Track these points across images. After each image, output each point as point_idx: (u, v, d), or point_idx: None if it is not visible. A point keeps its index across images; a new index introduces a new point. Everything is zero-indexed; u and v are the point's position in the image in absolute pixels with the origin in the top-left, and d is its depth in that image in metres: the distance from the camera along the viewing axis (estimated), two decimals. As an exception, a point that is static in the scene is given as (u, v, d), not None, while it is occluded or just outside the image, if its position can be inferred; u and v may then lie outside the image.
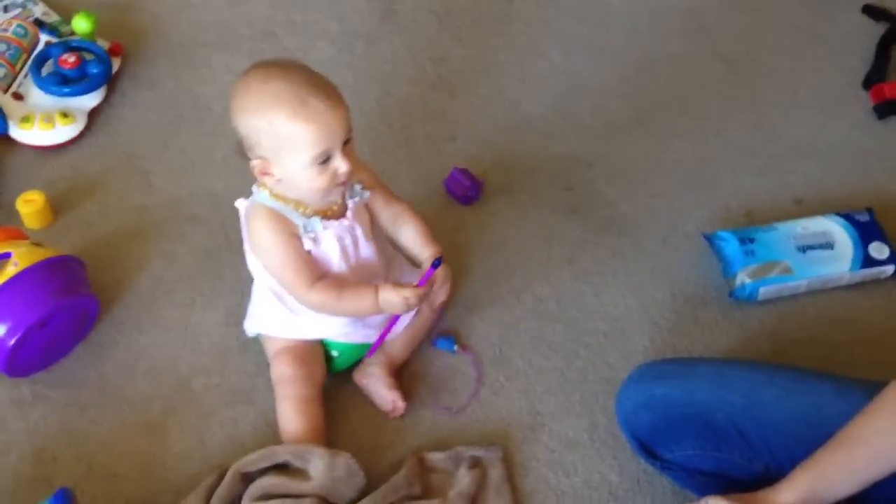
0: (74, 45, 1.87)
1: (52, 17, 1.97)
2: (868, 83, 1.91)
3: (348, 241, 1.38)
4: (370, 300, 1.34)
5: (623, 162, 1.81)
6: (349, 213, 1.38)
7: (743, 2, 2.11)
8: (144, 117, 1.86)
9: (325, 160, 1.27)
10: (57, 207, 1.69)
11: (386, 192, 1.45)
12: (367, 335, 1.45)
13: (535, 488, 1.39)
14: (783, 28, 2.05)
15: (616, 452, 1.41)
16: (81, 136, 1.80)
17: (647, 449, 1.32)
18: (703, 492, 1.34)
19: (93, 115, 1.83)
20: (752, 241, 1.59)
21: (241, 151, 1.34)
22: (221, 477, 1.34)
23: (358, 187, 1.39)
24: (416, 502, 1.35)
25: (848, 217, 1.63)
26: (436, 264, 1.35)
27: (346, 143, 1.29)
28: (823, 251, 1.59)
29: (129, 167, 1.77)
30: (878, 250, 1.59)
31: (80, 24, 1.89)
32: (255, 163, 1.31)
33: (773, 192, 1.75)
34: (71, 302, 1.45)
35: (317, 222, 1.34)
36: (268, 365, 1.46)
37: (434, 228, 1.46)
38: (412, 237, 1.43)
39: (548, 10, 2.08)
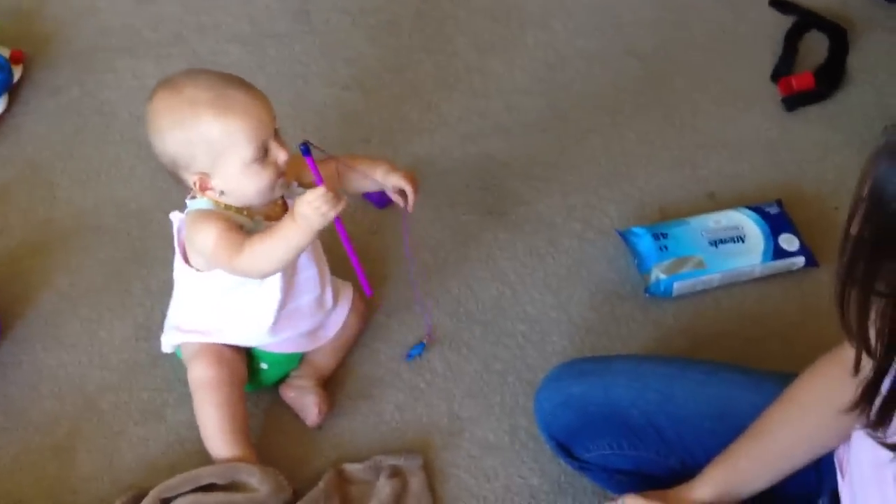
0: (-28, 53, 1.81)
1: (-51, 25, 1.90)
2: (776, 76, 1.93)
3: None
4: (290, 225, 1.21)
5: (538, 160, 1.81)
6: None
7: (654, -3, 2.13)
8: (48, 126, 1.80)
9: (264, 153, 1.23)
10: (-45, 222, 1.63)
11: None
12: (299, 343, 1.43)
13: (456, 495, 1.38)
14: (694, 23, 2.07)
15: (537, 455, 1.41)
16: (-19, 147, 1.74)
17: (565, 449, 1.32)
18: (621, 490, 1.34)
19: (-7, 124, 1.77)
20: (665, 236, 1.60)
21: (174, 174, 1.27)
22: (133, 498, 1.31)
23: (295, 184, 1.34)
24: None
25: (758, 210, 1.65)
26: (304, 150, 1.23)
27: (277, 133, 1.26)
28: (735, 244, 1.60)
29: (32, 178, 1.72)
30: (788, 242, 1.62)
31: (-22, 32, 1.83)
32: (193, 179, 1.25)
33: (685, 186, 1.77)
34: (-31, 322, 1.40)
35: (261, 223, 1.30)
36: (179, 380, 1.42)
37: (350, 232, 1.43)
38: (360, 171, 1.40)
39: (461, 9, 2.07)
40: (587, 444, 1.30)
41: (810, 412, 1.09)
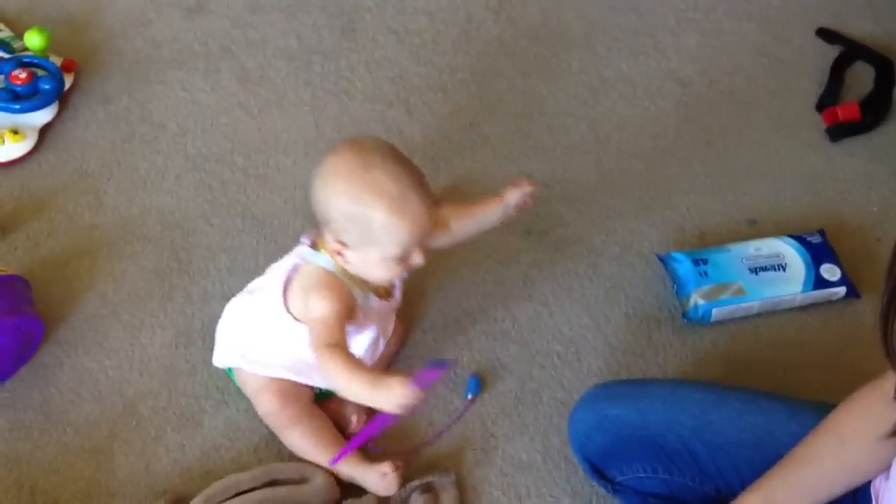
0: (26, 60, 1.84)
1: (5, 33, 1.94)
2: (821, 106, 1.92)
3: (386, 319, 1.40)
4: (367, 384, 1.20)
5: (579, 182, 1.81)
6: (397, 293, 1.39)
7: (698, 22, 2.12)
8: (96, 134, 1.84)
9: (407, 255, 1.27)
10: (4, 226, 1.66)
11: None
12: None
13: (488, 512, 1.38)
14: (738, 49, 2.07)
15: (569, 475, 1.40)
16: (31, 153, 1.77)
17: (598, 471, 1.31)
18: (653, 516, 1.34)
19: (44, 131, 1.80)
20: (705, 262, 1.60)
21: (316, 223, 1.30)
22: (169, 503, 1.32)
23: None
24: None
25: (800, 239, 1.64)
26: (442, 367, 1.26)
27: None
28: (776, 273, 1.59)
29: (79, 185, 1.75)
30: (830, 272, 1.60)
31: (33, 40, 1.86)
32: (333, 244, 1.28)
33: (726, 212, 1.76)
34: (15, 323, 1.42)
35: (372, 299, 1.33)
36: (217, 388, 1.45)
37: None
38: (477, 220, 1.45)
39: (507, 30, 2.09)
40: (621, 467, 1.29)
41: (850, 441, 1.08)
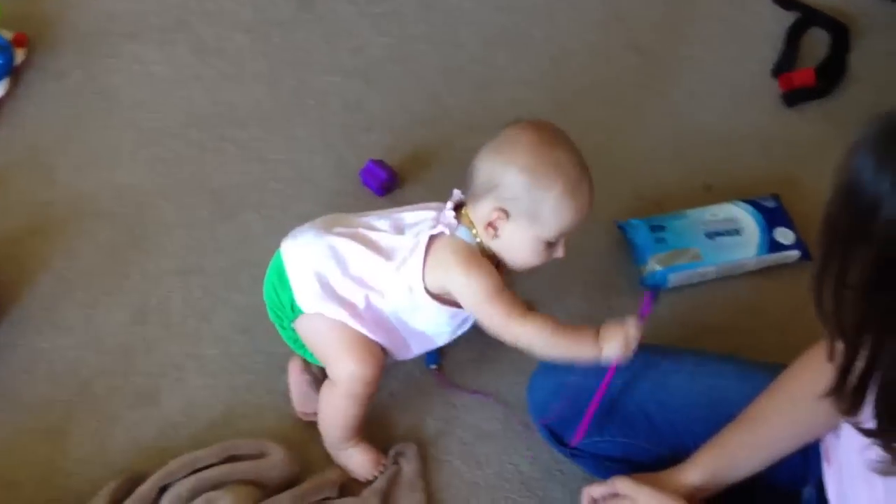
0: (-24, 35, 1.82)
1: (-47, 8, 1.91)
2: (777, 71, 1.93)
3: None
4: (590, 344, 1.24)
5: (538, 152, 1.81)
6: None
7: (658, -9, 2.12)
8: (49, 110, 1.81)
9: (554, 242, 1.27)
10: (-46, 204, 1.64)
11: None
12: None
13: (448, 482, 1.39)
14: (696, 18, 2.07)
15: (529, 443, 1.41)
16: (-18, 129, 1.75)
17: (556, 436, 1.32)
18: (611, 476, 1.35)
19: (-6, 107, 1.78)
20: (662, 228, 1.61)
21: (472, 190, 1.28)
22: (126, 482, 1.32)
23: None
24: (331, 501, 1.34)
25: (755, 203, 1.65)
26: (654, 295, 1.28)
27: None
28: (731, 237, 1.60)
29: (31, 161, 1.73)
30: (784, 235, 1.61)
31: (-18, 15, 1.84)
32: (492, 213, 1.25)
33: (684, 179, 1.77)
34: (-34, 303, 1.41)
35: None
36: (174, 365, 1.44)
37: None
38: None
39: (467, 1, 2.07)
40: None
41: (798, 400, 1.09)
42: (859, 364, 0.78)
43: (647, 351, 1.34)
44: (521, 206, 1.24)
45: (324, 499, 1.34)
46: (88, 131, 1.78)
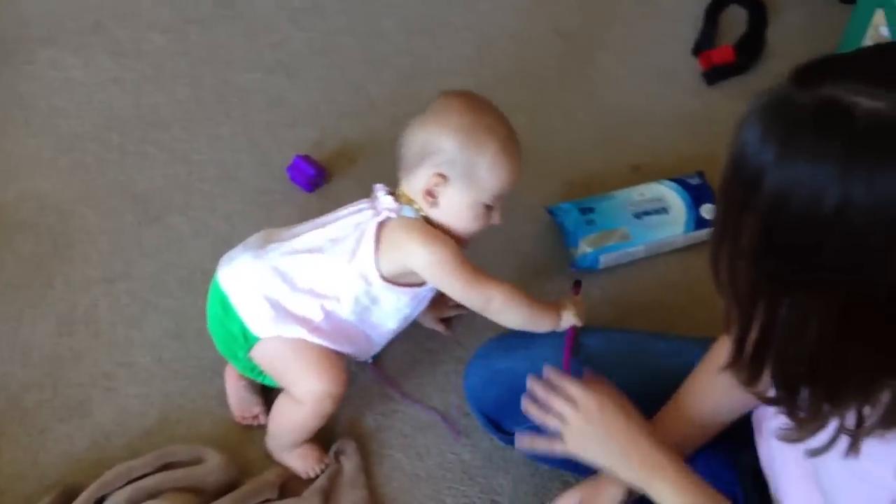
0: None
1: None
2: (697, 50, 1.95)
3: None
4: (552, 310, 1.31)
5: (466, 140, 1.81)
6: None
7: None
8: (-36, 120, 1.77)
9: (490, 207, 1.29)
10: None
11: None
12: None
13: (390, 475, 1.39)
14: (616, 0, 2.08)
15: (469, 431, 1.42)
16: None
17: (495, 424, 1.33)
18: (550, 462, 1.36)
19: None
20: (591, 210, 1.62)
21: (405, 164, 1.29)
22: (61, 495, 1.29)
23: None
24: (272, 503, 1.33)
25: (680, 181, 1.67)
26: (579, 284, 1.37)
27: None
28: (659, 216, 1.62)
29: (-52, 174, 1.68)
30: (710, 211, 1.64)
31: None
32: (430, 180, 1.26)
33: (610, 161, 1.78)
34: None
35: None
36: (104, 375, 1.41)
37: (278, 217, 1.43)
38: None
39: (386, -10, 2.06)
40: (516, 418, 1.30)
41: (720, 377, 1.11)
42: (754, 334, 0.80)
43: (579, 334, 1.35)
44: (458, 169, 1.25)
45: (264, 501, 1.33)
46: (6, 140, 1.74)
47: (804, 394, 0.82)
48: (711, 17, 2.01)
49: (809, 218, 0.71)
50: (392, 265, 1.28)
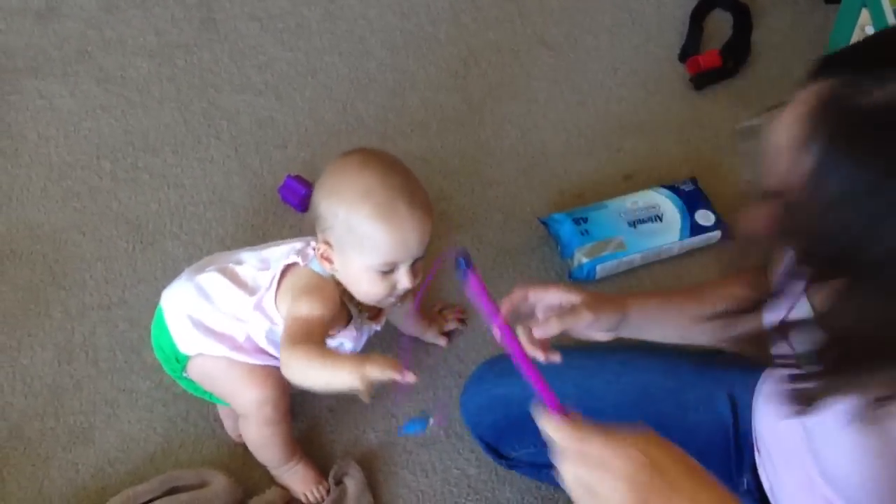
0: None
1: None
2: (684, 56, 1.97)
3: (364, 339, 1.35)
4: (346, 369, 1.09)
5: (457, 154, 1.82)
6: (383, 318, 1.34)
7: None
8: (-48, 153, 1.76)
9: (390, 270, 1.20)
10: None
11: None
12: None
13: (396, 493, 1.39)
14: (600, 8, 2.09)
15: (472, 446, 1.41)
16: None
17: (493, 449, 1.33)
18: (553, 482, 1.35)
19: None
20: (585, 220, 1.62)
21: (313, 224, 1.24)
22: (65, 524, 1.29)
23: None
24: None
25: (673, 188, 1.68)
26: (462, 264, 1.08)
27: (417, 260, 1.22)
28: (653, 224, 1.63)
29: (-61, 207, 1.67)
30: (705, 217, 1.65)
31: None
32: (320, 246, 1.23)
33: (602, 170, 1.79)
34: None
35: (363, 320, 1.29)
36: (106, 402, 1.41)
37: (271, 238, 1.42)
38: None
39: (370, 9, 2.07)
40: (513, 444, 1.31)
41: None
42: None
43: (570, 355, 1.33)
44: (337, 235, 1.20)
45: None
46: (-5, 171, 1.73)
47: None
48: (696, 22, 2.03)
49: None
50: (284, 308, 1.26)
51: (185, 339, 1.28)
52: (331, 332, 1.27)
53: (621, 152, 1.82)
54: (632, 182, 1.76)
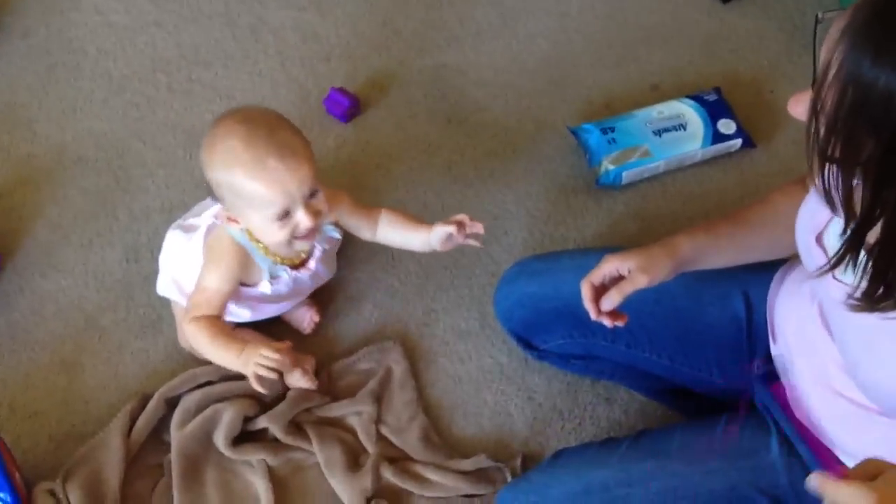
0: (-64, 0, 1.86)
1: None
2: (712, -30, 2.01)
3: (306, 284, 1.43)
4: (235, 352, 1.28)
5: (492, 67, 1.89)
6: (312, 263, 1.40)
7: None
8: (21, 67, 1.87)
9: (285, 215, 1.25)
10: (-58, 166, 1.70)
11: (362, 212, 1.43)
12: (279, 308, 1.48)
13: (435, 378, 1.51)
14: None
15: (505, 338, 1.53)
16: (-43, 91, 1.80)
17: (525, 341, 1.43)
18: (578, 371, 1.47)
19: (-34, 69, 1.83)
20: (612, 129, 1.71)
21: (210, 193, 1.30)
22: (142, 402, 1.43)
23: (328, 229, 1.38)
24: (327, 404, 1.46)
25: (697, 98, 1.75)
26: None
27: (313, 195, 1.26)
28: (677, 132, 1.71)
29: (10, 117, 1.79)
30: (726, 126, 1.72)
31: (-60, -21, 1.87)
32: (221, 211, 1.32)
33: (630, 81, 1.87)
34: (-30, 256, 1.49)
35: (282, 270, 1.37)
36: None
37: (317, 148, 1.50)
38: (403, 235, 1.43)
39: (408, -76, 2.12)
40: (544, 337, 1.41)
41: (781, 216, 1.17)
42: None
43: (598, 254, 1.30)
44: (228, 201, 1.26)
45: (316, 406, 1.46)
46: (60, 84, 1.84)
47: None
48: (725, -63, 2.06)
49: None
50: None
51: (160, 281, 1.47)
52: (248, 283, 1.37)
53: (649, 63, 1.89)
54: (658, 92, 1.83)
